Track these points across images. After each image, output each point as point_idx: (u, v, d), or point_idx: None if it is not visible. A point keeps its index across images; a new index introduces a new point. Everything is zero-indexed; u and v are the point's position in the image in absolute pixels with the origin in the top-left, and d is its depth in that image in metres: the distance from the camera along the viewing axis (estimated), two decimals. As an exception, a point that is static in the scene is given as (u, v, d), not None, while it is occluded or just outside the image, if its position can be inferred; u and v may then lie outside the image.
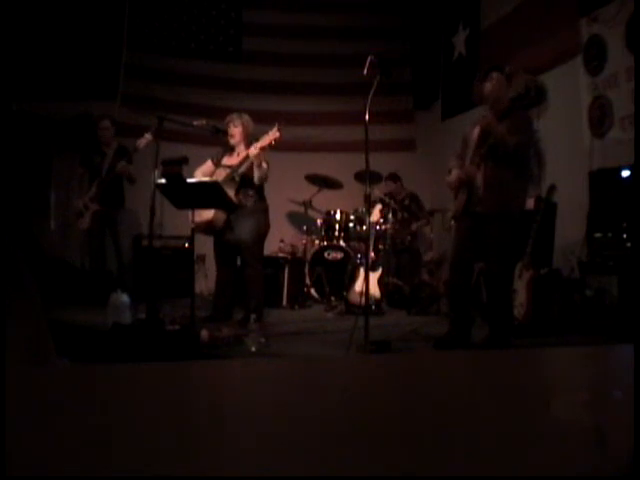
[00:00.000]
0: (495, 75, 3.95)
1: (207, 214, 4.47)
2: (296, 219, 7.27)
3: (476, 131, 3.90)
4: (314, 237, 6.57)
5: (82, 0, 6.98)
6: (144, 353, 3.51)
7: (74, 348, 2.91)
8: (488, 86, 3.96)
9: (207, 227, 4.55)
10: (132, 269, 5.89)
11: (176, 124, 4.87)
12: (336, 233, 6.35)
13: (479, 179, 3.83)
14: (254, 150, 4.41)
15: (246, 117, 4.72)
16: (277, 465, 0.61)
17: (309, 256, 6.35)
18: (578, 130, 5.26)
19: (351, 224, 6.39)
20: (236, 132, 4.65)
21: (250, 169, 4.51)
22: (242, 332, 3.87)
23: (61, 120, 6.78)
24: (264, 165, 4.50)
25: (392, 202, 6.25)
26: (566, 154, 5.43)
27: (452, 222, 4.17)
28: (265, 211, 4.69)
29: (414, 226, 6.50)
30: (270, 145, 4.41)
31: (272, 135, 4.37)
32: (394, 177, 6.75)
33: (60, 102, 6.74)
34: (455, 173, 3.99)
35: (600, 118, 5.04)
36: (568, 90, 5.47)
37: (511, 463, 0.63)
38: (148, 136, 5.18)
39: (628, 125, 4.70)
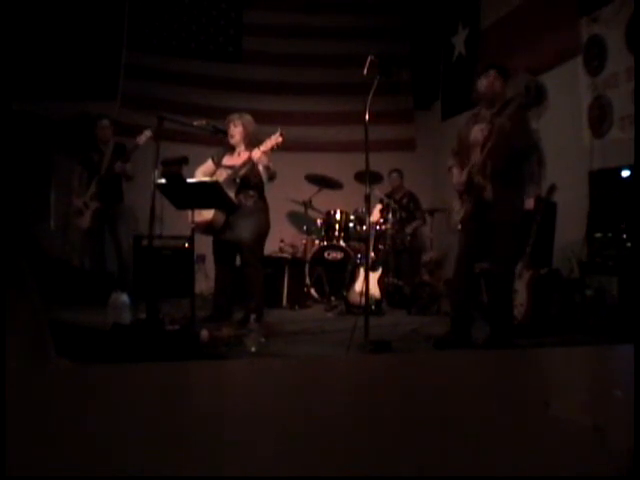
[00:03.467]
0: (492, 72, 3.97)
1: (207, 214, 4.46)
2: (296, 219, 7.27)
3: (478, 133, 3.88)
4: (314, 237, 6.57)
5: (82, 0, 6.98)
6: (144, 353, 3.51)
7: (74, 348, 2.91)
8: (484, 82, 3.97)
9: (207, 227, 4.55)
10: (132, 269, 5.89)
11: (176, 124, 4.86)
12: (336, 233, 6.35)
13: (488, 189, 3.82)
14: (256, 154, 4.42)
15: (247, 117, 4.71)
16: (277, 465, 0.61)
17: (309, 256, 6.34)
18: (578, 130, 5.26)
19: (351, 224, 6.39)
20: (236, 132, 4.65)
21: (251, 171, 4.51)
22: (242, 332, 3.87)
23: (61, 120, 6.78)
24: (270, 165, 4.51)
25: (392, 202, 6.26)
26: (566, 154, 5.43)
27: (459, 227, 4.15)
28: (265, 211, 4.69)
29: (409, 228, 6.52)
30: (272, 149, 4.42)
31: (274, 140, 4.37)
32: (399, 171, 6.88)
33: (60, 102, 6.74)
34: (457, 175, 4.00)
35: (600, 118, 5.04)
36: (568, 90, 5.47)
37: (511, 463, 0.63)
38: (148, 132, 5.20)
39: (628, 125, 4.70)
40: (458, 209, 4.02)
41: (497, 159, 3.80)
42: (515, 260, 4.23)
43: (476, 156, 3.86)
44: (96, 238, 5.85)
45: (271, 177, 4.56)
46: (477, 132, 3.89)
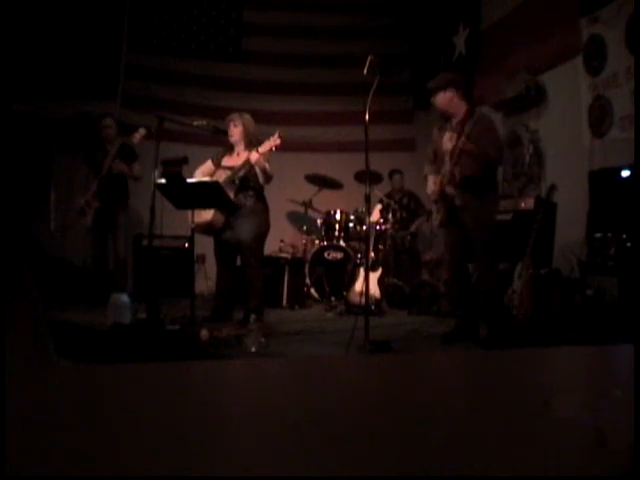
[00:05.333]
0: (440, 94, 4.13)
1: (206, 215, 4.46)
2: (296, 219, 7.27)
3: (447, 143, 4.02)
4: (314, 237, 6.57)
5: (82, 0, 6.98)
6: (144, 353, 3.51)
7: (74, 348, 2.91)
8: (439, 100, 4.18)
9: (206, 228, 4.55)
10: (129, 268, 5.89)
11: (176, 124, 4.86)
12: (336, 233, 6.34)
13: (457, 197, 3.99)
14: (254, 156, 4.42)
15: (247, 117, 4.71)
16: (277, 464, 0.61)
17: (309, 256, 6.34)
18: (578, 130, 5.26)
19: (351, 224, 6.38)
20: (236, 132, 4.65)
21: (249, 172, 4.52)
22: (242, 332, 3.86)
23: (61, 120, 6.77)
24: (268, 168, 4.51)
25: (392, 202, 6.26)
26: (566, 154, 5.43)
27: (437, 224, 4.33)
28: (265, 211, 4.68)
29: (413, 226, 6.55)
30: (270, 151, 4.43)
31: (273, 142, 4.38)
32: (400, 172, 6.91)
33: (60, 102, 6.73)
34: (431, 184, 4.17)
35: (600, 118, 5.04)
36: (568, 90, 5.47)
37: (511, 463, 0.63)
38: (142, 131, 5.21)
39: (628, 125, 4.70)
40: (435, 215, 4.24)
41: (465, 167, 3.94)
42: (497, 261, 4.25)
43: (446, 165, 4.02)
44: (98, 237, 5.83)
45: (267, 180, 4.56)
46: (447, 141, 4.04)
